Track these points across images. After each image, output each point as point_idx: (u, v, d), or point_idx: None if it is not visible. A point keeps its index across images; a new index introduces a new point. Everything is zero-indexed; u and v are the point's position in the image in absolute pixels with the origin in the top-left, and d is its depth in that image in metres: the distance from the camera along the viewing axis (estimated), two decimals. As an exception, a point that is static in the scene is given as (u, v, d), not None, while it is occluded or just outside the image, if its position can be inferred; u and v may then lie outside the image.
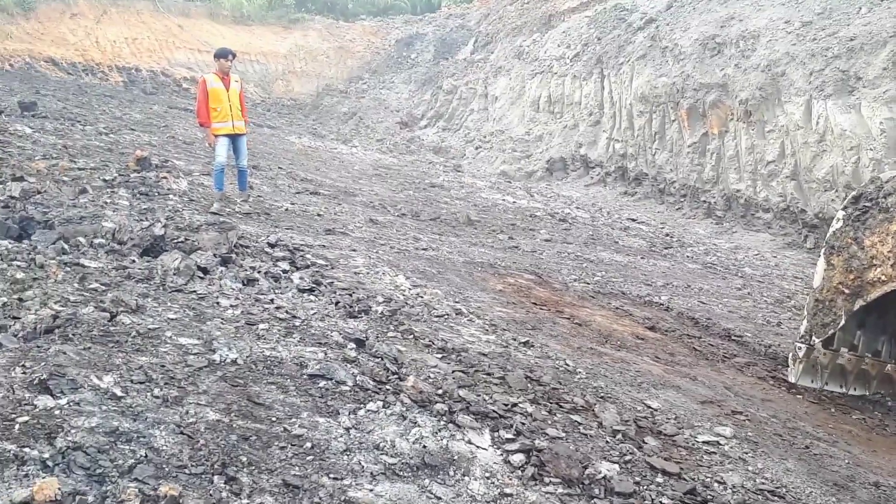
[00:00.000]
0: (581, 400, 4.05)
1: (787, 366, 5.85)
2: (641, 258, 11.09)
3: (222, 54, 8.69)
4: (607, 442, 3.55)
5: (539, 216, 14.09)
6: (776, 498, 3.34)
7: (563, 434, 3.51)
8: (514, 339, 5.06)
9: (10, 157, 8.57)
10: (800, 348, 5.59)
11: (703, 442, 3.85)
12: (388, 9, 37.94)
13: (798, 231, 14.75)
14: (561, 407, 3.88)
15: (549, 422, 3.62)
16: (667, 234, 14.20)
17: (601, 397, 4.19)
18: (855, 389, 5.61)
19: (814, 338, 5.49)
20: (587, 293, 7.73)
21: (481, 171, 22.31)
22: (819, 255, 5.77)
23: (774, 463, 3.76)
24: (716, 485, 3.27)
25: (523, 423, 3.50)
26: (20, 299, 3.96)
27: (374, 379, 3.65)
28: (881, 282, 5.04)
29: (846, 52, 13.59)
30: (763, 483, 3.45)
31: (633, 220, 15.71)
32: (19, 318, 3.68)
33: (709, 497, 3.14)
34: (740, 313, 7.95)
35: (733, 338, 6.80)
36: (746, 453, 3.81)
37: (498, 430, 3.39)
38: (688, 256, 11.77)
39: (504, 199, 16.03)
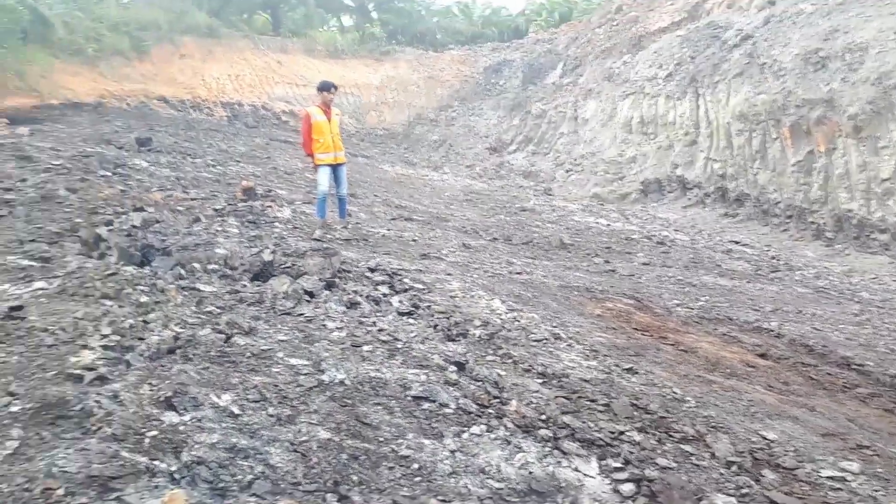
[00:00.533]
0: (691, 429, 3.89)
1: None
2: (747, 282, 10.61)
3: (325, 87, 9.06)
4: (721, 474, 3.39)
5: (635, 239, 13.76)
6: (915, 541, 3.07)
7: (675, 464, 3.38)
8: (617, 366, 4.93)
9: (130, 189, 9.23)
10: None
11: (828, 477, 3.60)
12: (476, 37, 38.54)
13: (921, 253, 13.71)
14: (670, 436, 3.74)
15: (659, 451, 3.50)
16: (773, 257, 13.53)
17: (713, 427, 4.01)
18: None
19: None
20: (691, 318, 7.45)
21: (573, 195, 22.10)
22: None
23: (911, 503, 3.47)
24: (845, 524, 3.06)
25: (631, 452, 3.40)
26: (145, 321, 4.23)
27: (476, 402, 3.65)
28: None
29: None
30: (899, 524, 3.19)
31: (736, 242, 15.07)
32: (144, 339, 3.93)
33: (838, 536, 2.93)
34: (859, 341, 7.44)
35: (853, 367, 6.36)
36: (877, 491, 3.54)
37: (605, 459, 3.30)
38: (797, 280, 11.16)
39: (598, 222, 15.79)
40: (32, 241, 6.13)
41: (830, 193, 15.10)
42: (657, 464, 3.34)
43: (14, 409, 3.04)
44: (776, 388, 5.25)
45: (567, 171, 25.57)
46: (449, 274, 7.20)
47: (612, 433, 3.58)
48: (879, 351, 7.06)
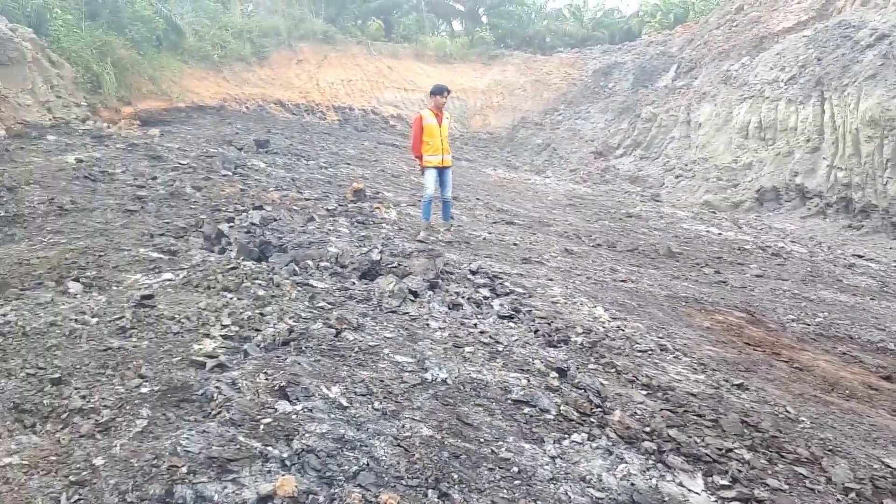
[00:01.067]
0: (805, 451, 3.70)
1: None
2: (871, 299, 9.89)
3: (439, 91, 9.26)
4: (838, 500, 3.21)
5: (748, 249, 13.14)
6: None
7: (786, 486, 3.23)
8: (726, 381, 4.75)
9: (249, 188, 9.79)
10: None
11: (960, 514, 3.33)
12: (585, 40, 38.00)
13: None
14: (783, 457, 3.57)
15: (770, 472, 3.35)
16: (902, 273, 12.53)
17: (829, 450, 3.79)
18: None
19: None
20: (807, 335, 7.05)
21: (681, 201, 21.35)
22: None
23: None
24: (980, 566, 2.82)
25: (740, 471, 3.28)
26: (261, 314, 4.49)
27: (577, 410, 3.63)
28: None
29: None
30: None
31: (860, 256, 14.06)
32: (261, 331, 4.18)
33: (972, 579, 2.71)
34: None
35: None
36: None
37: (712, 475, 3.20)
38: (930, 298, 10.28)
39: (708, 231, 15.19)
40: (162, 234, 6.63)
41: (974, 206, 13.81)
42: (767, 485, 3.21)
43: (144, 390, 3.33)
44: (903, 415, 4.89)
45: (677, 177, 24.75)
46: (550, 279, 7.16)
47: (720, 450, 3.47)
48: None
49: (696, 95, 24.91)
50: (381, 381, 3.62)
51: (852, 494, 3.29)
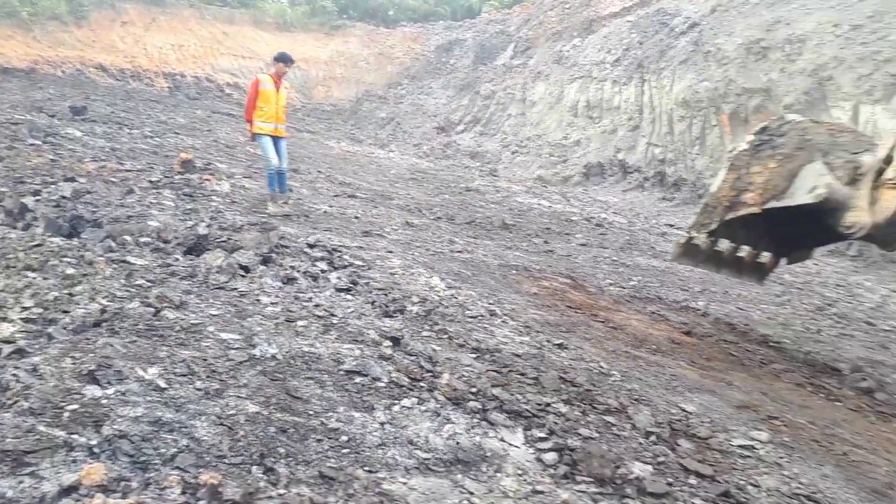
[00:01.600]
0: (615, 402, 4.05)
1: (823, 372, 5.76)
2: (679, 264, 10.97)
3: (283, 59, 8.91)
4: (640, 443, 3.55)
5: (575, 221, 14.03)
6: (812, 503, 3.29)
7: (596, 434, 3.52)
8: (548, 341, 5.07)
9: (61, 158, 8.90)
10: (682, 237, 6.88)
11: (738, 446, 3.81)
12: (428, 15, 38.22)
13: (843, 238, 14.35)
14: (594, 408, 3.89)
15: (582, 422, 3.63)
16: (706, 240, 14.00)
17: (635, 399, 4.18)
18: (726, 272, 7.05)
19: (693, 231, 6.70)
20: (623, 297, 7.69)
21: (517, 176, 22.31)
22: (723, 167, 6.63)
23: (811, 468, 3.71)
24: (750, 488, 3.25)
25: (556, 423, 3.52)
26: (70, 294, 4.13)
27: (408, 376, 3.71)
28: (747, 205, 6.10)
29: None
30: (798, 488, 3.41)
31: (671, 225, 15.52)
32: (69, 312, 3.84)
33: (742, 500, 3.12)
34: (779, 320, 7.82)
35: (771, 344, 6.69)
36: (782, 458, 3.77)
37: (531, 429, 3.41)
38: (727, 262, 11.57)
39: (540, 204, 16.00)
40: (-48, 210, 5.87)
41: (763, 180, 15.70)
42: (580, 434, 3.47)
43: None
44: (698, 364, 5.49)
45: (513, 153, 25.77)
46: (390, 251, 7.22)
47: (539, 405, 3.70)
48: (796, 329, 7.44)
49: (531, 74, 25.98)
50: (205, 359, 3.48)
51: (652, 437, 3.65)
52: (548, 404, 3.73)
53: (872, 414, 5.21)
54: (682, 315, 7.24)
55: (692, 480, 3.24)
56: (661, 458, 3.40)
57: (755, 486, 3.27)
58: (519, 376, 4.09)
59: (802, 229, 6.46)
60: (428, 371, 3.85)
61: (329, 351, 3.86)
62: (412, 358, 3.99)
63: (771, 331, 7.21)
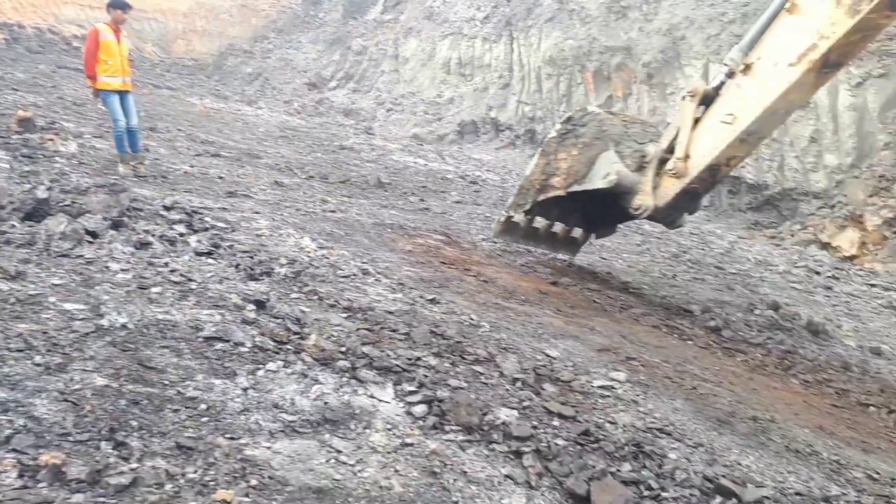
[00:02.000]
0: (484, 351, 4.14)
1: (677, 314, 6.19)
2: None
3: (119, 6, 8.11)
4: (507, 390, 3.66)
5: (450, 178, 14.15)
6: (664, 434, 3.54)
7: (465, 384, 3.58)
8: (421, 297, 5.09)
9: None
10: (502, 215, 7.38)
11: (599, 387, 4.02)
12: (293, -35, 36.44)
13: (695, 190, 15.40)
14: (464, 359, 3.95)
15: (452, 373, 3.68)
16: (574, 195, 14.58)
17: (503, 348, 4.29)
18: (543, 247, 7.83)
19: (510, 210, 7.24)
20: (495, 252, 7.86)
21: (393, 134, 22.12)
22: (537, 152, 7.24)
23: (664, 403, 3.99)
24: (608, 425, 3.44)
25: (426, 376, 3.55)
26: None
27: (274, 339, 3.59)
28: (555, 188, 6.85)
29: (740, 17, 14.18)
30: (652, 422, 3.65)
31: (542, 181, 16.02)
32: None
33: (601, 437, 3.29)
34: (639, 267, 8.31)
35: (631, 290, 7.11)
36: (638, 395, 4.02)
37: (401, 384, 3.42)
38: (593, 215, 12.12)
39: (415, 162, 15.98)
40: None
41: (625, 136, 16.49)
42: (449, 385, 3.52)
43: None
44: (563, 312, 5.73)
45: (388, 111, 25.47)
46: (257, 212, 6.94)
47: (410, 360, 3.71)
48: (654, 276, 7.94)
49: (402, 30, 25.61)
50: (45, 332, 3.18)
51: (518, 383, 3.77)
52: (418, 358, 3.74)
53: (719, 350, 5.67)
54: (549, 267, 7.51)
55: (555, 422, 3.39)
56: (527, 403, 3.52)
57: (612, 423, 3.46)
58: (390, 333, 4.08)
59: (605, 209, 7.10)
60: (295, 333, 3.74)
61: (186, 318, 3.65)
62: (278, 321, 3.86)
63: (631, 278, 7.66)
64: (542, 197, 6.96)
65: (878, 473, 3.62)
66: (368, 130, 21.12)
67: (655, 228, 12.00)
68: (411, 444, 2.94)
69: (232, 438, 2.74)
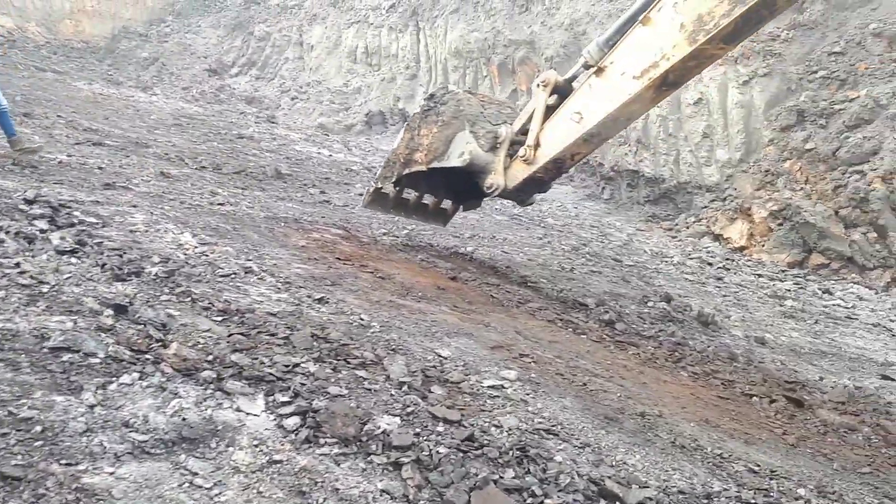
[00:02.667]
0: (371, 354, 3.94)
1: (573, 307, 6.21)
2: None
3: None
4: (392, 395, 3.47)
5: (355, 170, 13.83)
6: (551, 435, 3.46)
7: (346, 391, 3.37)
8: (309, 297, 4.83)
9: None
10: (371, 186, 7.54)
11: (488, 387, 3.90)
12: (192, -55, 34.79)
13: (597, 183, 15.79)
14: (348, 363, 3.74)
15: (333, 380, 3.46)
16: (479, 187, 14.58)
17: (392, 350, 4.11)
18: (414, 218, 7.99)
19: (378, 182, 7.41)
20: (395, 246, 7.67)
21: (297, 123, 21.51)
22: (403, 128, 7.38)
23: (553, 401, 3.91)
24: (493, 429, 3.32)
25: (303, 384, 3.31)
26: None
27: (131, 349, 3.26)
28: (417, 163, 6.98)
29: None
30: (540, 422, 3.56)
31: (449, 173, 15.94)
32: None
33: (485, 442, 3.17)
34: (538, 261, 8.33)
35: (529, 284, 7.09)
36: (528, 394, 3.93)
37: (273, 394, 3.17)
38: (496, 209, 12.15)
39: (319, 153, 15.55)
40: None
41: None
42: (328, 393, 3.30)
43: None
44: (460, 308, 5.61)
45: (293, 99, 24.77)
46: (134, 206, 6.44)
47: (286, 367, 3.46)
48: (553, 269, 7.97)
49: (307, 16, 24.92)
50: None
51: (405, 387, 3.60)
52: (296, 365, 3.50)
53: (612, 344, 5.71)
54: (450, 261, 7.39)
55: (440, 427, 3.23)
56: (411, 409, 3.35)
57: (498, 426, 3.35)
58: (268, 337, 3.81)
59: (468, 184, 7.23)
60: (158, 341, 3.41)
61: (31, 325, 3.26)
62: (139, 327, 3.52)
63: (530, 272, 7.65)
64: (406, 171, 7.09)
65: (758, 466, 3.68)
66: (271, 119, 20.44)
67: (557, 221, 12.15)
68: (279, 462, 2.71)
69: (69, 464, 2.42)
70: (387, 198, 7.54)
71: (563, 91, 6.54)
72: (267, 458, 2.72)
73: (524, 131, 6.63)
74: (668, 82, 5.69)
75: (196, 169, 9.98)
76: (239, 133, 15.42)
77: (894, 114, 13.76)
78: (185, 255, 5.10)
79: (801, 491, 3.45)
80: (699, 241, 13.65)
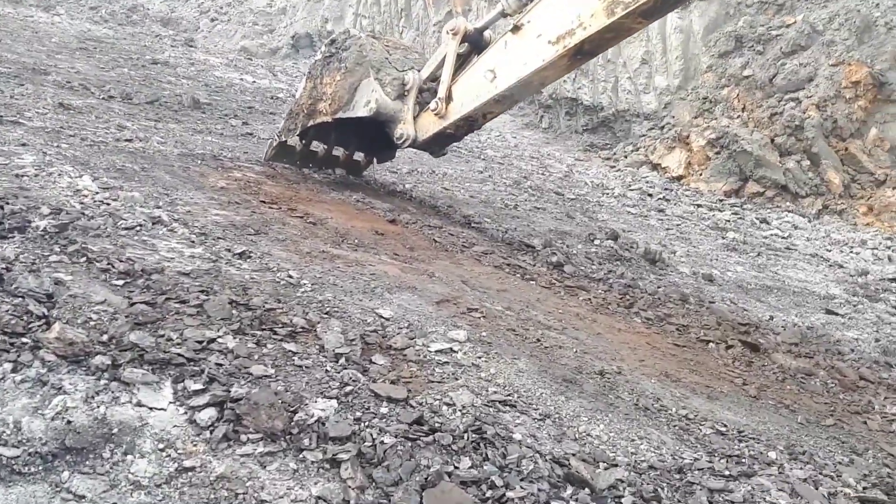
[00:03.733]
0: (302, 319, 3.45)
1: (519, 250, 5.86)
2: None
3: None
4: (327, 371, 3.02)
5: (281, 98, 12.93)
6: (508, 407, 3.10)
7: (272, 370, 2.90)
8: (229, 251, 4.26)
9: None
10: (274, 139, 7.17)
11: (436, 352, 3.50)
12: None
13: (535, 112, 15.33)
14: (275, 334, 3.24)
15: (256, 357, 2.98)
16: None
17: (326, 313, 3.63)
18: (323, 169, 7.41)
19: (282, 135, 7.00)
20: (327, 185, 7.07)
21: (218, 47, 20.04)
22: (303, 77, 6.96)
23: (507, 364, 3.55)
24: (444, 408, 2.92)
25: (219, 365, 2.81)
26: None
27: (3, 332, 2.67)
28: (322, 114, 6.57)
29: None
30: (495, 392, 3.20)
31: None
32: None
33: (437, 424, 2.78)
34: (481, 198, 7.90)
35: (473, 225, 6.67)
36: (480, 357, 3.56)
37: (183, 381, 2.66)
38: (435, 139, 11.56)
39: (242, 79, 14.48)
40: None
41: (467, 54, 15.89)
42: (251, 374, 2.82)
43: None
44: (401, 256, 5.15)
45: (212, 21, 23.08)
46: (24, 144, 5.61)
47: (200, 343, 2.94)
48: (496, 207, 7.57)
49: (223, -73, 22.97)
50: None
51: (342, 360, 3.15)
52: (211, 340, 2.98)
53: (562, 289, 5.39)
54: (388, 201, 6.87)
55: (384, 409, 2.82)
56: (350, 388, 2.91)
57: (450, 404, 2.95)
58: (178, 305, 3.26)
59: (379, 134, 6.78)
60: (41, 318, 2.83)
61: None
62: (17, 301, 2.91)
63: (473, 210, 7.22)
64: (311, 122, 6.70)
65: (725, 426, 3.44)
66: (189, 42, 18.91)
67: (497, 153, 11.70)
68: (191, 469, 2.24)
69: None
70: (293, 150, 7.15)
71: (473, 39, 6.25)
72: (176, 465, 2.25)
73: (433, 78, 6.35)
74: (584, 52, 5.54)
75: (102, 99, 8.98)
76: (153, 58, 14.12)
77: (830, 40, 13.70)
78: (82, 203, 4.41)
79: (773, 454, 3.24)
80: (637, 170, 13.49)
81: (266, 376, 2.84)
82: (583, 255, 6.59)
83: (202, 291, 3.48)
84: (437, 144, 6.70)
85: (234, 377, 2.76)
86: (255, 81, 14.36)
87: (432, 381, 3.19)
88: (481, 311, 4.30)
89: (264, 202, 5.75)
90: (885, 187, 12.60)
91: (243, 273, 3.94)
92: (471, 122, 6.39)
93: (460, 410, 2.93)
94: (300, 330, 3.37)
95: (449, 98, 6.16)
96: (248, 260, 4.17)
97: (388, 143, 6.86)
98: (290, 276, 4.03)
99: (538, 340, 4.05)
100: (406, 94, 6.39)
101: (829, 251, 9.49)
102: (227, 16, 22.60)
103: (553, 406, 3.24)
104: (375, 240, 5.43)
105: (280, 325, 3.34)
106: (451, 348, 3.59)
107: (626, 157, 14.27)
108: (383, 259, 4.96)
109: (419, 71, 6.45)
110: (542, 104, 15.26)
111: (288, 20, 20.74)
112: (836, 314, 6.50)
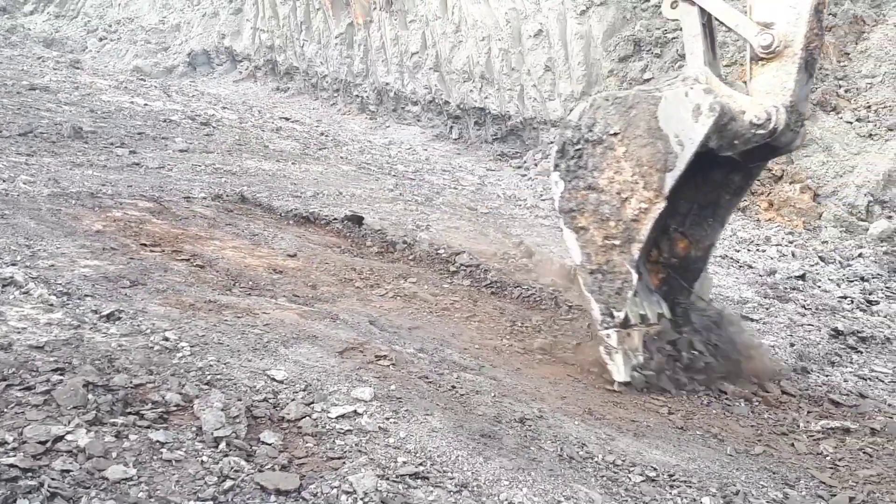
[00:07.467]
0: (176, 395, 2.98)
1: (433, 274, 5.51)
2: (292, 164, 10.14)
3: None
4: (203, 463, 2.57)
5: (175, 121, 12.16)
6: (419, 481, 2.75)
7: (134, 471, 2.43)
8: (95, 312, 3.72)
9: None
10: (609, 336, 4.31)
11: (337, 418, 3.10)
12: None
13: (444, 123, 15.11)
14: (141, 418, 2.76)
15: (115, 454, 2.49)
16: (322, 134, 13.41)
17: (207, 383, 3.17)
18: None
19: (615, 313, 4.31)
20: (221, 218, 6.53)
21: (109, 68, 18.89)
22: (562, 229, 4.63)
23: (419, 424, 3.19)
24: (343, 498, 2.53)
25: (66, 473, 2.32)
26: None
27: None
28: (644, 210, 4.28)
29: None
30: (404, 463, 2.83)
31: (287, 118, 14.58)
32: None
33: (333, 519, 2.38)
34: (391, 219, 7.53)
35: (383, 251, 6.29)
36: (388, 419, 3.18)
37: (14, 502, 2.16)
38: (342, 157, 11.16)
39: (133, 102, 13.58)
40: None
41: (370, 67, 15.47)
42: (106, 479, 2.33)
43: None
44: (301, 297, 4.72)
45: (101, 40, 21.83)
46: None
47: (43, 444, 2.43)
48: (407, 227, 7.21)
49: (106, -59, 21.82)
50: None
51: (222, 445, 2.70)
52: (58, 438, 2.48)
53: (480, 321, 5.09)
54: (289, 231, 6.39)
55: (271, 504, 2.40)
56: (231, 481, 2.47)
57: (350, 492, 2.56)
58: (20, 394, 2.73)
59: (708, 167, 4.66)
60: None
61: None
62: None
63: (394, 234, 6.83)
64: (637, 245, 4.27)
65: (654, 470, 3.20)
66: (75, 64, 17.70)
67: (408, 168, 11.39)
68: None
69: None
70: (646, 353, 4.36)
71: None
72: None
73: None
74: None
75: (-38, 134, 8.10)
76: (31, 83, 13.05)
77: (721, 42, 14.12)
78: (-87, 269, 3.77)
79: (706, 500, 3.01)
80: (548, 178, 13.44)
81: (125, 480, 2.37)
82: (500, 276, 6.32)
83: (56, 370, 2.95)
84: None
85: (84, 486, 2.28)
86: (146, 104, 13.50)
87: (332, 459, 2.79)
88: (391, 357, 3.93)
89: (145, 245, 5.19)
90: (783, 182, 13.06)
91: (110, 340, 3.41)
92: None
93: (363, 496, 2.54)
94: (174, 409, 2.90)
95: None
96: (118, 322, 3.64)
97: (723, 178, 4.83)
98: (166, 339, 3.53)
99: (453, 388, 3.71)
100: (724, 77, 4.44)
101: (738, 251, 9.62)
102: (116, 34, 21.41)
103: (470, 471, 2.90)
104: (272, 280, 4.98)
105: (149, 406, 2.86)
106: (354, 411, 3.19)
107: (535, 164, 14.22)
108: (280, 304, 4.51)
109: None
110: (450, 115, 15.05)
111: (183, 37, 19.80)
112: (752, 320, 6.49)
